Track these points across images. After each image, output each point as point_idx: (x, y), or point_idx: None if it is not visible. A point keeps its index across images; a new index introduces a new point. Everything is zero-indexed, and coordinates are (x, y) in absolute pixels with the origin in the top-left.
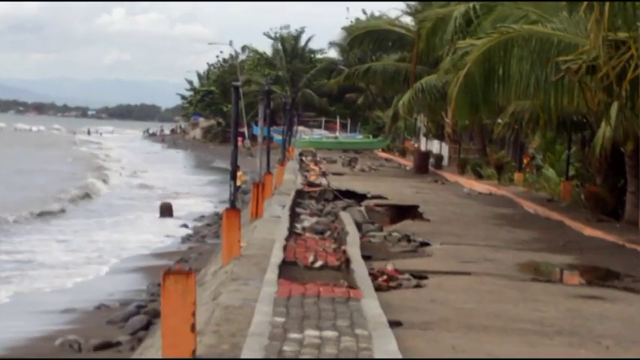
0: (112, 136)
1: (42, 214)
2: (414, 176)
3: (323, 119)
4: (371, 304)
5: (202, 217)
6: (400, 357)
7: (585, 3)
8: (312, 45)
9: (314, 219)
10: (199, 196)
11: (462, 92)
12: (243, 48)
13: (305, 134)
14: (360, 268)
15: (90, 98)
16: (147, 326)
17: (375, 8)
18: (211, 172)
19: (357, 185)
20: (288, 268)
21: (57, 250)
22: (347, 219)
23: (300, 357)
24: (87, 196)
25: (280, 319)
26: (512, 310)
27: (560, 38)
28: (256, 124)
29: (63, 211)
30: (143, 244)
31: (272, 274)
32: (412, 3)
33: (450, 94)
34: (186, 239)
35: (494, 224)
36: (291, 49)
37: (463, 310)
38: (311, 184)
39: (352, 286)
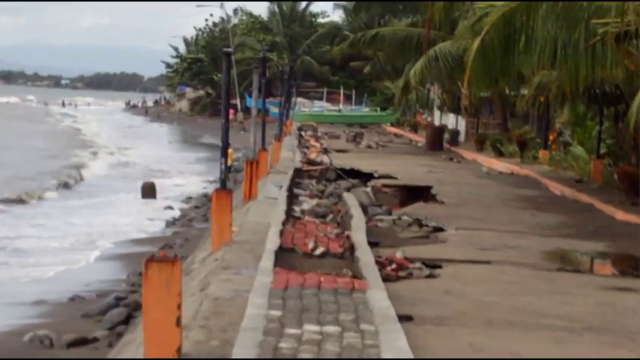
0: (88, 109)
1: (16, 201)
2: (427, 153)
3: (325, 90)
4: (378, 295)
5: (189, 198)
6: (411, 356)
7: None
8: (314, 8)
9: (314, 201)
10: (186, 175)
11: (479, 59)
12: (236, 10)
13: (304, 107)
14: (365, 256)
15: (64, 66)
16: (126, 320)
17: None
18: (199, 148)
19: (363, 164)
20: (285, 256)
21: (30, 236)
22: (351, 201)
23: (299, 355)
24: (65, 184)
25: (276, 313)
26: (536, 303)
27: None
28: (250, 96)
29: (39, 197)
30: (123, 229)
31: (267, 261)
32: None
33: (467, 61)
34: (171, 223)
35: (516, 207)
36: (289, 12)
37: (481, 304)
38: (311, 162)
39: (357, 275)
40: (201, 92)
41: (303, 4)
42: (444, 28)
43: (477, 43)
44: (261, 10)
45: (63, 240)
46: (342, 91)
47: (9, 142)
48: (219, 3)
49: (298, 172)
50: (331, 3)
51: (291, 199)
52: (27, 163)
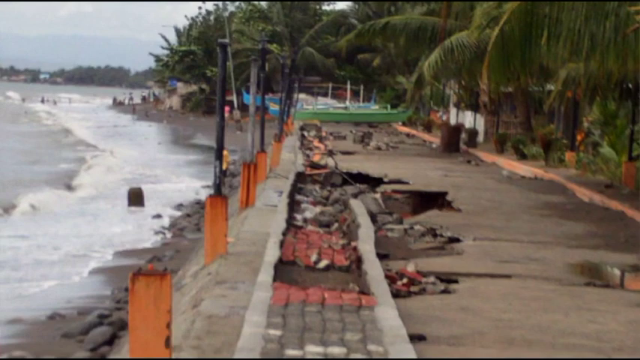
0: (69, 106)
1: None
2: (442, 155)
3: (330, 85)
4: (388, 313)
5: (180, 205)
6: None
7: None
8: None
9: (318, 208)
10: (177, 180)
11: (498, 50)
12: None
13: (307, 104)
14: (374, 270)
15: (42, 59)
16: (111, 340)
17: None
18: (192, 150)
19: (372, 167)
20: (285, 269)
21: (8, 247)
22: (359, 208)
23: None
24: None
25: (276, 332)
26: (562, 321)
27: None
28: (247, 92)
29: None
30: (107, 240)
31: (266, 275)
32: None
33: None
34: (160, 233)
35: (540, 215)
36: None
37: (501, 322)
38: (314, 166)
39: (364, 291)
40: (194, 88)
41: None
42: (462, 16)
43: (495, 32)
44: None
45: (43, 253)
46: (348, 87)
47: None
48: None
49: (300, 177)
50: None
51: (293, 206)
52: (7, 169)
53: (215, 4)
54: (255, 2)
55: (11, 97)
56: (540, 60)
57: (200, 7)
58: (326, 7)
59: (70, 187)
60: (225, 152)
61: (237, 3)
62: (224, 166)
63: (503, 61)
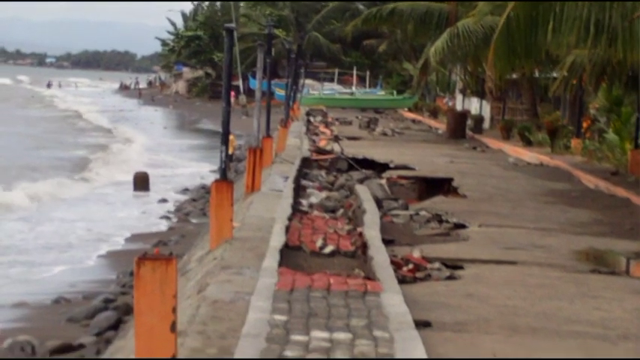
0: (75, 90)
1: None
2: (448, 142)
3: (336, 71)
4: (393, 299)
5: (186, 190)
6: None
7: None
8: None
9: (323, 194)
10: (182, 164)
11: (503, 37)
12: None
13: (313, 89)
14: (379, 255)
15: (49, 43)
16: (116, 325)
17: None
18: (197, 134)
19: (378, 153)
20: (291, 255)
21: (15, 232)
22: (364, 194)
23: None
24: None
25: (281, 317)
26: (567, 308)
27: None
28: (253, 77)
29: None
30: (112, 224)
31: (271, 261)
32: None
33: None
34: (165, 217)
35: (545, 202)
36: None
37: (506, 308)
38: (320, 151)
39: (370, 277)
40: (200, 73)
41: None
42: (467, 2)
43: (501, 19)
44: None
45: (47, 237)
46: (354, 72)
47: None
48: None
49: (306, 162)
50: None
51: (298, 191)
52: (15, 153)
53: None
54: None
55: (22, 81)
56: (546, 47)
57: None
58: None
59: (77, 172)
60: (231, 137)
61: None
62: (230, 151)
63: (509, 49)
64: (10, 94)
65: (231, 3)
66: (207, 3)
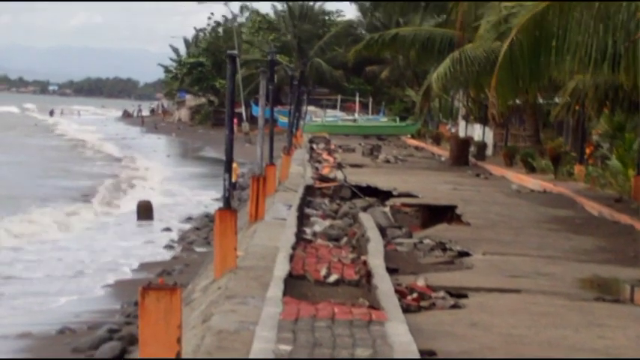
0: (78, 118)
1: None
2: (451, 169)
3: (339, 97)
4: (398, 328)
5: (189, 219)
6: None
7: None
8: (327, 5)
9: (327, 222)
10: (185, 193)
11: (507, 64)
12: (242, 9)
13: (316, 116)
14: (384, 284)
15: (51, 70)
16: (121, 355)
17: None
18: (200, 162)
19: (381, 180)
20: (295, 284)
21: (19, 261)
22: (368, 222)
23: None
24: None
25: (286, 347)
26: (571, 336)
27: None
28: (256, 104)
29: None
30: (117, 254)
31: (276, 290)
32: None
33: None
34: (169, 247)
35: (549, 229)
36: (298, 10)
37: (511, 337)
38: (324, 179)
39: (374, 306)
40: (203, 100)
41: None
42: (468, 28)
43: (504, 46)
44: (269, 9)
45: (53, 267)
46: (357, 99)
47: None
48: (222, 1)
49: (309, 190)
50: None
51: (302, 219)
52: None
53: (223, 16)
54: (264, 13)
55: (29, 109)
56: (549, 73)
57: (209, 18)
58: (335, 17)
59: (81, 201)
60: (234, 165)
61: (245, 14)
62: (233, 179)
63: (513, 77)
64: (17, 122)
65: (234, 29)
66: (209, 29)
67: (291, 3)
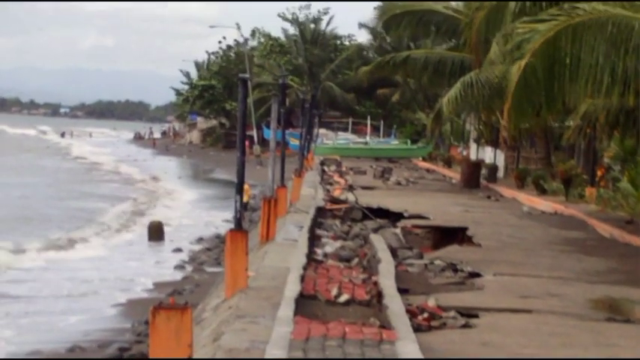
0: (90, 140)
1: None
2: (462, 191)
3: (350, 120)
4: (408, 348)
5: (200, 239)
6: None
7: None
8: (339, 30)
9: (338, 243)
10: (197, 214)
11: (521, 88)
12: (253, 32)
13: (328, 139)
14: (394, 304)
15: (63, 92)
16: None
17: None
18: (212, 184)
19: (392, 202)
20: (306, 303)
21: (29, 280)
22: (379, 243)
23: None
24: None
25: None
26: (582, 357)
27: None
28: (268, 126)
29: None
30: (128, 273)
31: (287, 310)
32: None
33: (506, 89)
34: (180, 267)
35: (560, 251)
36: (310, 34)
37: (522, 357)
38: (335, 200)
39: (385, 325)
40: (214, 122)
41: (325, 22)
42: (482, 51)
43: (519, 71)
44: (281, 32)
45: (63, 287)
46: (368, 122)
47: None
48: (233, 25)
49: (320, 212)
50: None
51: (313, 240)
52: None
53: (235, 40)
54: (275, 37)
55: (46, 132)
56: (563, 97)
57: (220, 42)
58: (347, 42)
59: (93, 222)
60: (246, 186)
61: (258, 37)
62: (245, 199)
63: (527, 101)
64: (33, 145)
65: (245, 53)
66: (220, 53)
67: (302, 26)
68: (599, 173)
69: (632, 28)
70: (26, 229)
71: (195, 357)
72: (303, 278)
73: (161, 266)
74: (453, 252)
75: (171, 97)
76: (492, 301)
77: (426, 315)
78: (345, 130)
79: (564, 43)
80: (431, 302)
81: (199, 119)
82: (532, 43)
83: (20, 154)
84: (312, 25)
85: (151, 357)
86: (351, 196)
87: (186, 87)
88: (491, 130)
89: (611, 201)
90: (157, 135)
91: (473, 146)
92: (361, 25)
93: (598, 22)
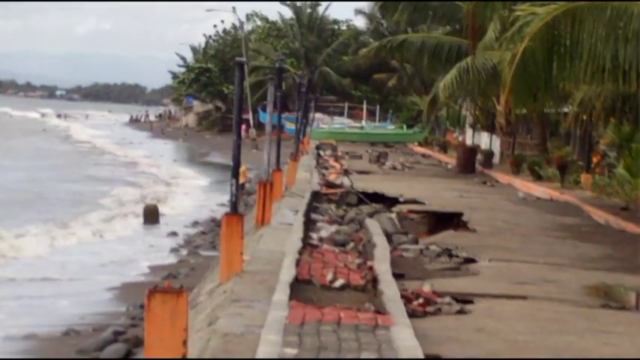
0: (86, 122)
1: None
2: (458, 176)
3: (346, 105)
4: (403, 333)
5: (196, 223)
6: None
7: None
8: (336, 14)
9: (333, 227)
10: (192, 197)
11: (520, 73)
12: (249, 16)
13: (323, 123)
14: (390, 289)
15: (59, 75)
16: (126, 357)
17: None
18: (207, 167)
19: (387, 187)
20: (301, 288)
21: (25, 265)
22: (374, 228)
23: None
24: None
25: (291, 351)
26: (577, 343)
27: None
28: (264, 110)
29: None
30: (123, 257)
31: (282, 294)
32: None
33: (504, 75)
34: (175, 250)
35: (555, 237)
36: (307, 18)
37: (517, 343)
38: (330, 185)
39: (380, 310)
40: (210, 106)
41: (323, 7)
42: (479, 36)
43: (517, 54)
44: (277, 16)
45: (58, 271)
46: (364, 107)
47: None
48: (230, 8)
49: (316, 196)
50: (353, 8)
51: (308, 225)
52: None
53: (232, 24)
54: (273, 20)
55: (46, 114)
56: (562, 82)
57: (216, 26)
58: (344, 27)
59: (89, 205)
60: (242, 167)
61: (254, 21)
62: (242, 180)
63: (525, 85)
64: (37, 128)
65: (242, 37)
66: (217, 37)
67: (299, 11)
68: (594, 160)
69: (632, 13)
70: (25, 212)
71: (190, 353)
72: (298, 262)
73: (156, 250)
74: (448, 237)
75: (168, 81)
76: (487, 287)
77: (421, 300)
78: (341, 114)
79: (563, 26)
80: (426, 288)
81: (195, 103)
82: (531, 26)
83: (24, 137)
84: (309, 10)
85: (146, 340)
86: (346, 181)
87: (183, 70)
88: (487, 116)
89: (606, 187)
90: (152, 118)
91: (469, 131)
92: (358, 12)
93: (597, 7)
